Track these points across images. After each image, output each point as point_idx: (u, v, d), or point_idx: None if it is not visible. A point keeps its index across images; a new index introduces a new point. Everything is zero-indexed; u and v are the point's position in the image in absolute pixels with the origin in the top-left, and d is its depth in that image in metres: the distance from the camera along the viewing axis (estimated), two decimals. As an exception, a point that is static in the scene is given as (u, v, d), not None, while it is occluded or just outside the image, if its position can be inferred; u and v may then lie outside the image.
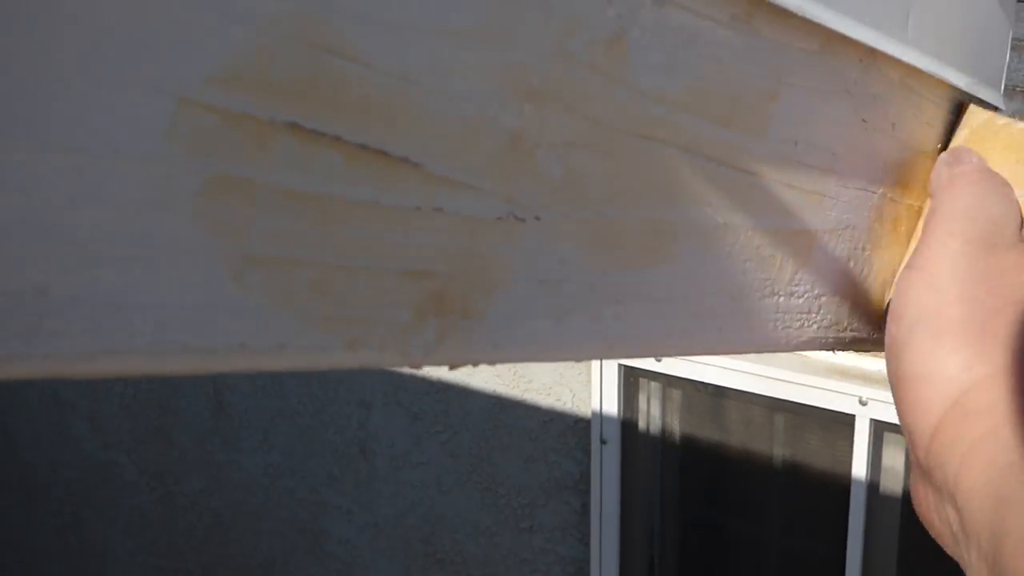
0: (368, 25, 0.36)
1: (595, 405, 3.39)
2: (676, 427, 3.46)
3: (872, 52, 0.62)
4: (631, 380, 3.38)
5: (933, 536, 0.58)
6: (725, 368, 3.19)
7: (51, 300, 0.30)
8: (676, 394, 3.41)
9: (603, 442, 3.43)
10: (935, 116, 0.71)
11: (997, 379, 0.54)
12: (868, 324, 0.67)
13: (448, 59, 0.39)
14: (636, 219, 0.49)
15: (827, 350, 0.64)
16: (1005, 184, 0.63)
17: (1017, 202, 0.62)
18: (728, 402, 3.38)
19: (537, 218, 0.44)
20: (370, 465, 3.99)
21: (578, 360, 0.48)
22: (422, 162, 0.39)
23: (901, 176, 0.68)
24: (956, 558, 0.55)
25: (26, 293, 0.29)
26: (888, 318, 0.60)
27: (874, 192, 0.65)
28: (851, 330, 0.66)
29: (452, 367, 0.43)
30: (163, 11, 0.31)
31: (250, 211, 0.34)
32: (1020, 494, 0.49)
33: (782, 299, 0.59)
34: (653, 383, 3.40)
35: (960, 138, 0.70)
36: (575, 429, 3.53)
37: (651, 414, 3.43)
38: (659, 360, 3.16)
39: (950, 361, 0.55)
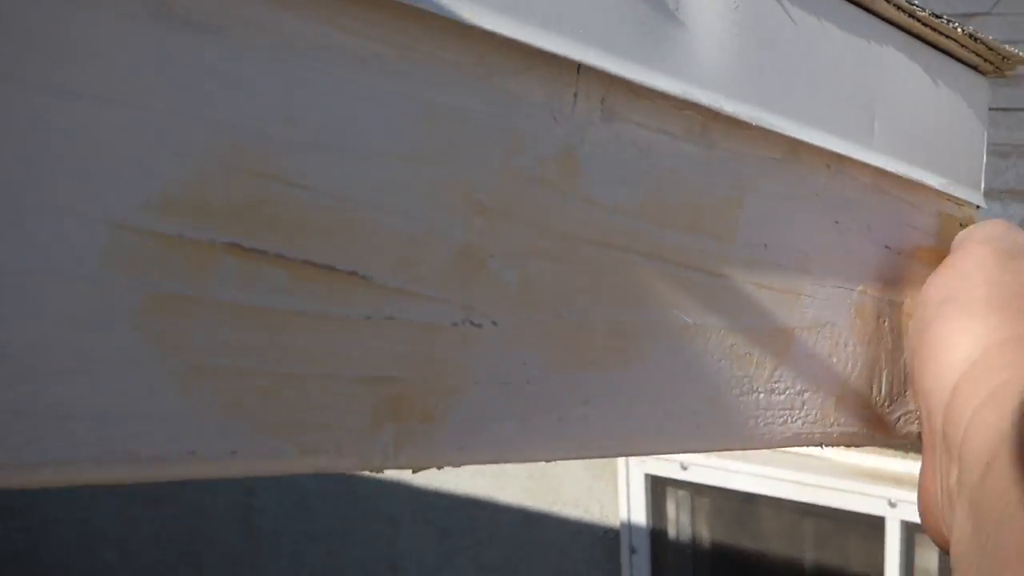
0: (306, 152, 0.37)
1: (623, 515, 3.33)
2: (705, 535, 3.39)
3: (840, 157, 0.62)
4: (658, 489, 3.32)
5: (928, 532, 0.59)
6: (753, 475, 3.13)
7: (-9, 414, 0.30)
8: (704, 502, 3.35)
9: (633, 552, 3.37)
10: (915, 217, 0.71)
11: (1020, 341, 0.55)
12: (856, 418, 0.66)
13: (392, 180, 0.40)
14: (600, 322, 0.49)
15: (814, 445, 0.63)
16: None
17: None
18: (757, 508, 3.30)
19: (494, 323, 0.44)
20: (401, 583, 3.94)
21: (547, 461, 0.48)
22: (370, 275, 0.39)
23: (882, 274, 0.67)
24: (946, 544, 0.55)
25: (-30, 409, 0.30)
26: (916, 306, 0.63)
27: (853, 290, 0.65)
28: (838, 425, 0.64)
29: (415, 470, 0.42)
30: (99, 144, 0.32)
31: (194, 325, 0.34)
32: (1018, 426, 0.49)
33: (762, 396, 0.58)
34: (680, 491, 3.34)
35: None
36: (604, 540, 3.46)
37: (680, 522, 3.37)
38: (685, 468, 3.11)
39: (976, 326, 0.57)
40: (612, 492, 3.39)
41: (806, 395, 0.62)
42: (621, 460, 3.24)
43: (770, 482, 3.12)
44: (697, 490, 3.30)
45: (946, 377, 0.56)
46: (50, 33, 0.31)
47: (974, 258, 0.62)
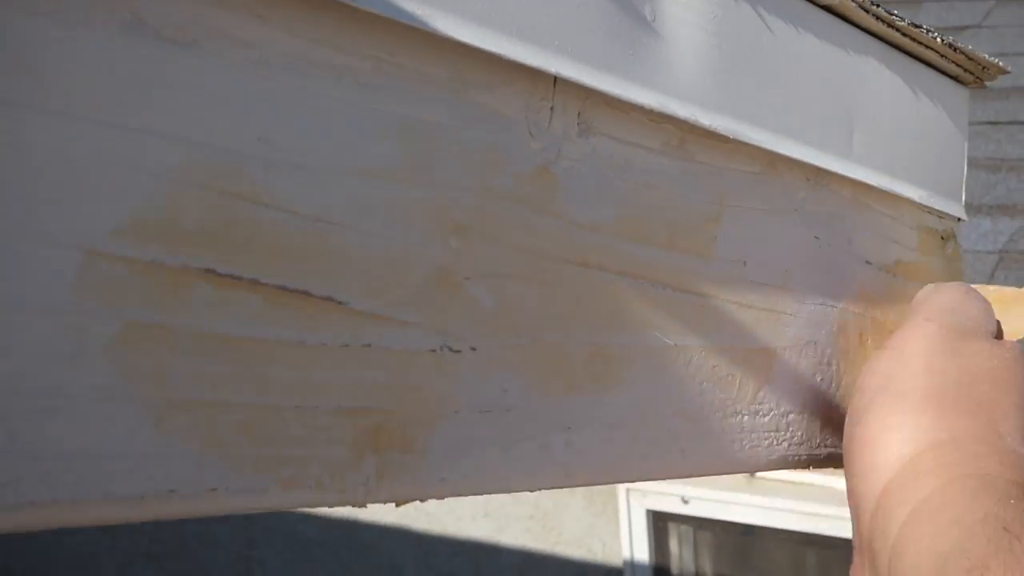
0: (280, 171, 0.37)
1: (626, 554, 3.34)
2: (709, 569, 3.40)
3: (819, 171, 0.64)
4: (660, 525, 3.33)
5: None
6: (755, 506, 3.15)
7: (-35, 454, 0.30)
8: (706, 536, 3.36)
9: (636, 589, 3.38)
10: (896, 231, 0.72)
11: (955, 444, 0.52)
12: (842, 438, 0.67)
13: (366, 199, 0.40)
14: (580, 345, 0.49)
15: (801, 467, 0.64)
16: (987, 301, 0.64)
17: (995, 317, 0.63)
18: (760, 540, 3.32)
19: (473, 348, 0.45)
20: (405, 630, 3.94)
21: (532, 490, 0.48)
22: (347, 300, 0.40)
23: (863, 290, 0.68)
24: None
25: (-59, 449, 0.30)
26: (854, 394, 0.60)
27: (835, 307, 0.66)
28: (825, 445, 0.65)
29: (397, 504, 0.43)
30: (67, 166, 0.32)
31: (169, 356, 0.35)
32: (962, 546, 0.46)
33: (746, 418, 0.59)
34: (683, 526, 3.36)
35: None
36: (608, 579, 3.47)
37: (683, 558, 3.38)
38: (686, 502, 3.13)
39: (908, 423, 0.54)
40: (614, 530, 3.41)
41: (791, 416, 0.63)
42: (622, 496, 3.26)
43: (773, 513, 3.13)
44: (699, 524, 3.32)
45: (874, 479, 0.54)
46: (13, 48, 0.31)
47: (917, 338, 0.59)
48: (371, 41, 0.40)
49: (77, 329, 0.32)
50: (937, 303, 0.62)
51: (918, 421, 0.54)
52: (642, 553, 3.34)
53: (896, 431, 0.54)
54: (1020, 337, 0.63)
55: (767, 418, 0.61)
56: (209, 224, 0.36)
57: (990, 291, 0.70)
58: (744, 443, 0.59)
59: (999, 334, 0.63)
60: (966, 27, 3.19)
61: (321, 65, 0.39)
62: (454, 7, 0.41)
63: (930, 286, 0.67)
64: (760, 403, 0.60)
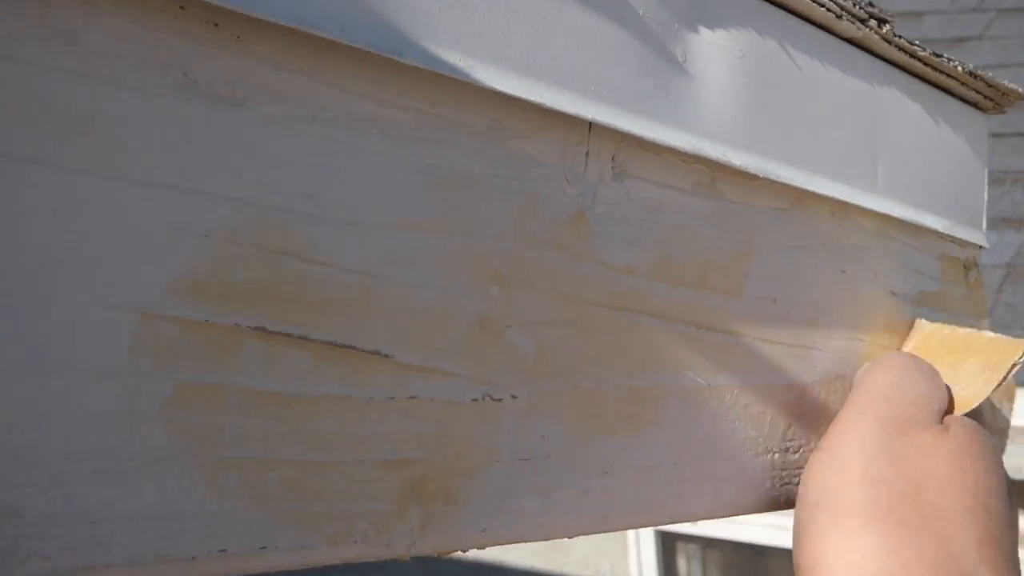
0: (326, 227, 0.38)
1: (634, 574, 3.34)
2: (718, 588, 3.41)
3: (844, 205, 0.64)
4: (668, 545, 3.34)
5: None
6: (764, 525, 3.15)
7: (25, 520, 0.30)
8: (716, 555, 3.37)
9: (645, 611, 3.38)
10: (919, 261, 0.72)
11: (905, 571, 0.49)
12: None
13: (409, 252, 0.40)
14: (616, 388, 0.49)
15: (830, 502, 0.64)
16: (932, 370, 0.61)
17: (943, 387, 0.60)
18: (769, 559, 3.33)
19: (513, 396, 0.45)
20: (410, 655, 3.93)
21: (569, 536, 0.48)
22: (392, 353, 0.40)
23: (889, 322, 0.69)
24: None
25: (0, 516, 0.30)
26: (796, 504, 0.56)
27: (862, 340, 0.66)
28: (853, 480, 0.65)
29: (440, 554, 0.43)
30: (121, 229, 0.32)
31: (221, 415, 0.35)
32: None
33: (777, 456, 0.59)
34: (691, 545, 3.36)
35: (908, 348, 0.70)
36: (616, 601, 3.47)
37: (692, 577, 3.39)
38: (695, 522, 3.14)
39: (851, 547, 0.50)
40: (622, 550, 3.41)
41: None
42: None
43: (782, 532, 3.13)
44: (708, 543, 3.33)
45: None
46: (66, 113, 0.31)
47: (852, 439, 0.55)
48: (413, 93, 0.41)
49: (132, 391, 0.33)
50: (872, 389, 0.59)
51: (862, 545, 0.50)
52: (651, 573, 3.34)
53: (838, 556, 0.50)
54: (976, 401, 0.60)
55: (797, 455, 0.61)
56: (258, 282, 0.36)
57: (945, 335, 0.69)
58: (775, 481, 0.59)
59: (949, 404, 0.60)
60: (968, 39, 3.21)
61: (366, 119, 0.39)
62: (494, 57, 0.42)
63: (866, 365, 0.64)
64: (790, 440, 0.60)
